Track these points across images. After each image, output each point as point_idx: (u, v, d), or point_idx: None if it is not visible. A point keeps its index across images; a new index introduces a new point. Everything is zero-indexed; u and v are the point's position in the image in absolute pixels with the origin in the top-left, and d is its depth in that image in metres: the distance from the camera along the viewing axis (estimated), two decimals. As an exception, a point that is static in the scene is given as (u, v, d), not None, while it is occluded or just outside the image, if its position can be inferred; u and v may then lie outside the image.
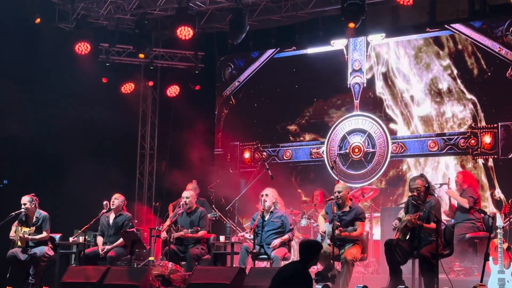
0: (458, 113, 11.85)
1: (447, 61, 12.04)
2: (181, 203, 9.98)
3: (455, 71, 11.95)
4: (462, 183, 10.10)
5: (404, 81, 12.39)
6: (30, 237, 9.79)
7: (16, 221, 9.95)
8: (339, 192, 8.85)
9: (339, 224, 8.57)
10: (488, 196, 11.40)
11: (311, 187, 12.41)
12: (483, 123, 11.62)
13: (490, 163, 11.48)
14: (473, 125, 11.71)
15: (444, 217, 9.19)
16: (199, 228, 9.63)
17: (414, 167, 12.12)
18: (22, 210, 9.87)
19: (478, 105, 11.68)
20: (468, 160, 11.68)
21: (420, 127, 12.16)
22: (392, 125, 12.39)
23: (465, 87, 11.82)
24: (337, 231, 8.46)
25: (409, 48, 12.40)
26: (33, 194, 10.05)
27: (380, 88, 12.57)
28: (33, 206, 9.94)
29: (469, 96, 11.77)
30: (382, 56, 12.62)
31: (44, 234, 9.89)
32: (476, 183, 10.43)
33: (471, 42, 11.85)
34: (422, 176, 8.41)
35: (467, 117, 11.77)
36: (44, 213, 10.00)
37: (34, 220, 9.92)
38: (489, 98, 11.67)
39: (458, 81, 11.90)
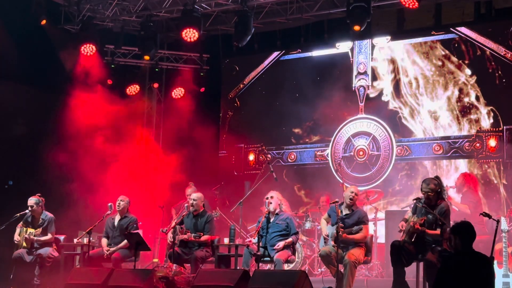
0: (482, 119, 11.72)
1: (461, 68, 11.95)
2: (186, 205, 9.95)
3: (470, 79, 11.87)
4: (461, 186, 9.99)
5: (416, 88, 12.35)
6: (35, 238, 9.80)
7: (21, 222, 9.94)
8: (355, 194, 8.89)
9: (342, 225, 8.56)
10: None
11: (315, 190, 12.41)
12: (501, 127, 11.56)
13: (505, 180, 11.29)
14: (478, 128, 11.69)
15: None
16: (202, 234, 9.59)
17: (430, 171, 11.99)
18: (27, 211, 9.85)
19: (497, 112, 11.60)
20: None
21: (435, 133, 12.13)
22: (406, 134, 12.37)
23: (481, 93, 11.74)
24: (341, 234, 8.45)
25: (419, 53, 12.39)
26: (39, 194, 10.01)
27: (392, 99, 12.53)
28: (39, 207, 9.91)
29: (484, 109, 11.69)
30: (395, 64, 12.57)
31: (49, 236, 9.88)
32: (476, 184, 10.25)
33: (479, 46, 11.80)
34: (436, 179, 8.20)
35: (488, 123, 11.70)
36: (50, 214, 9.98)
37: (40, 221, 9.90)
38: (496, 101, 11.65)
39: (472, 87, 11.84)
